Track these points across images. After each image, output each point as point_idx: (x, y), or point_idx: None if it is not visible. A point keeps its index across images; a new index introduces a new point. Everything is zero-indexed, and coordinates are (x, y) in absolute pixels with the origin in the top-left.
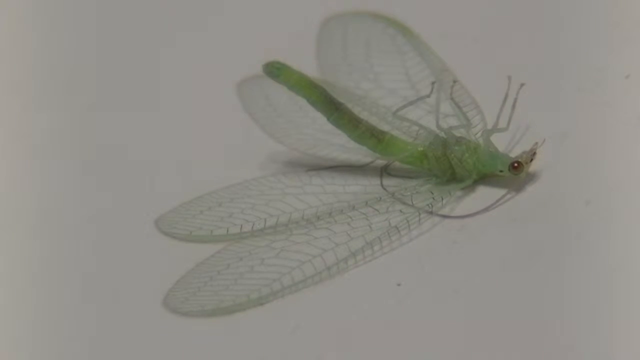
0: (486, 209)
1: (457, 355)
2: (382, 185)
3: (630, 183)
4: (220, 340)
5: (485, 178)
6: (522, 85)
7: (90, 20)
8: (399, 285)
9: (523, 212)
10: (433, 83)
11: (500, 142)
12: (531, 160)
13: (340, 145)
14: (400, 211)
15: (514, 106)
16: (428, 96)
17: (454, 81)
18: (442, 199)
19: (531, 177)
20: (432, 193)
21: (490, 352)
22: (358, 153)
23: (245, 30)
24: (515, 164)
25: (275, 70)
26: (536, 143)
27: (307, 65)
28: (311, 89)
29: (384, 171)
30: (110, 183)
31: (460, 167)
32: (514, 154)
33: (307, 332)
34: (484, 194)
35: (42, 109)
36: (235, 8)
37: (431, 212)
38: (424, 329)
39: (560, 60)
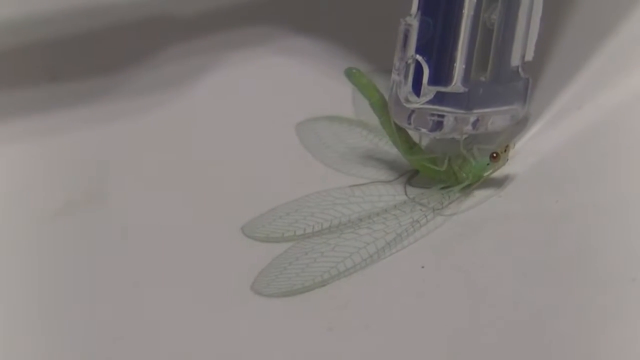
0: (476, 205)
1: (469, 316)
2: (406, 193)
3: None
4: (294, 313)
5: (480, 180)
6: None
7: None
8: (422, 267)
9: (509, 212)
10: None
11: None
12: (505, 150)
13: (373, 167)
14: (420, 209)
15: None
16: None
17: None
18: (449, 198)
19: (514, 189)
20: (442, 196)
21: (490, 309)
22: (387, 171)
23: (298, 92)
24: (494, 155)
25: (352, 73)
26: (508, 144)
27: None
28: (373, 92)
29: (407, 183)
30: (210, 201)
31: (460, 171)
32: None
33: (357, 306)
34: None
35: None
36: (300, 67)
37: (441, 208)
38: (443, 299)
39: None
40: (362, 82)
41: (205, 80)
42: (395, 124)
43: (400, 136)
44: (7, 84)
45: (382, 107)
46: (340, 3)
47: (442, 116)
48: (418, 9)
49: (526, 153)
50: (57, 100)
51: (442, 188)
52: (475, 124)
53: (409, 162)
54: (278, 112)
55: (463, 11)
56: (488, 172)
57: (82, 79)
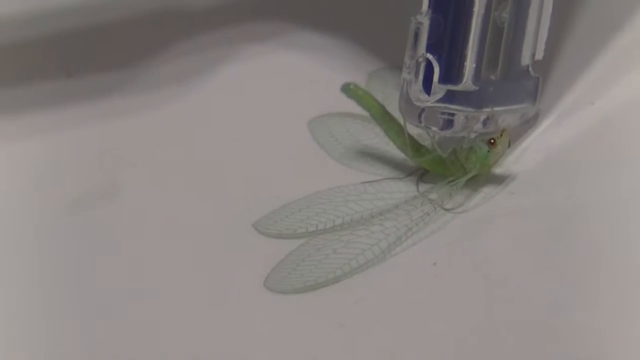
0: (488, 201)
1: (480, 312)
2: (417, 190)
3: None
4: (307, 309)
5: (486, 168)
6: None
7: None
8: (435, 264)
9: (521, 208)
10: None
11: None
12: (501, 135)
13: (386, 163)
14: (430, 202)
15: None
16: None
17: None
18: (457, 189)
19: (526, 184)
20: (450, 187)
21: (502, 305)
22: (399, 168)
23: (309, 86)
24: (491, 140)
25: (349, 88)
26: (503, 128)
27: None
28: (372, 103)
29: (419, 180)
30: (222, 197)
31: (467, 162)
32: None
33: (369, 302)
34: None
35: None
36: (311, 61)
37: (450, 201)
38: (455, 295)
39: None
40: (359, 95)
41: (217, 74)
42: (399, 130)
43: (405, 141)
44: (19, 78)
45: (383, 116)
46: None
47: (453, 114)
48: (429, 7)
49: (538, 148)
50: (68, 95)
51: (450, 181)
52: (485, 122)
53: (418, 164)
54: (290, 107)
55: (474, 9)
56: (493, 160)
57: (94, 74)
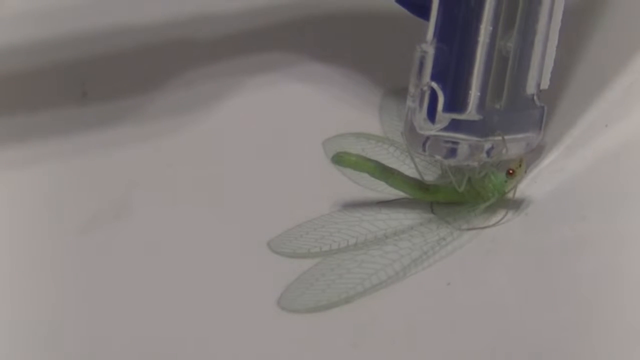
0: (503, 223)
1: (494, 333)
2: (432, 211)
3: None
4: (320, 329)
5: (502, 195)
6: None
7: None
8: (448, 284)
9: (536, 231)
10: None
11: None
12: (519, 165)
13: None
14: (446, 227)
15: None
16: None
17: None
18: (475, 216)
19: (540, 207)
20: (468, 213)
21: (515, 326)
22: None
23: (324, 105)
24: (510, 171)
25: (339, 158)
26: (521, 158)
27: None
28: (367, 164)
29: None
30: (236, 217)
31: (483, 190)
32: None
33: (382, 322)
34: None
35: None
36: (320, 92)
37: (467, 226)
38: (469, 316)
39: None
40: (352, 161)
41: (228, 102)
42: (402, 178)
43: (413, 186)
44: (35, 105)
45: (382, 172)
46: (357, 29)
47: (457, 143)
48: (434, 35)
49: (553, 170)
50: (82, 122)
51: (468, 207)
52: (489, 152)
53: (434, 201)
54: (303, 130)
55: (479, 38)
56: (510, 188)
57: (106, 101)
